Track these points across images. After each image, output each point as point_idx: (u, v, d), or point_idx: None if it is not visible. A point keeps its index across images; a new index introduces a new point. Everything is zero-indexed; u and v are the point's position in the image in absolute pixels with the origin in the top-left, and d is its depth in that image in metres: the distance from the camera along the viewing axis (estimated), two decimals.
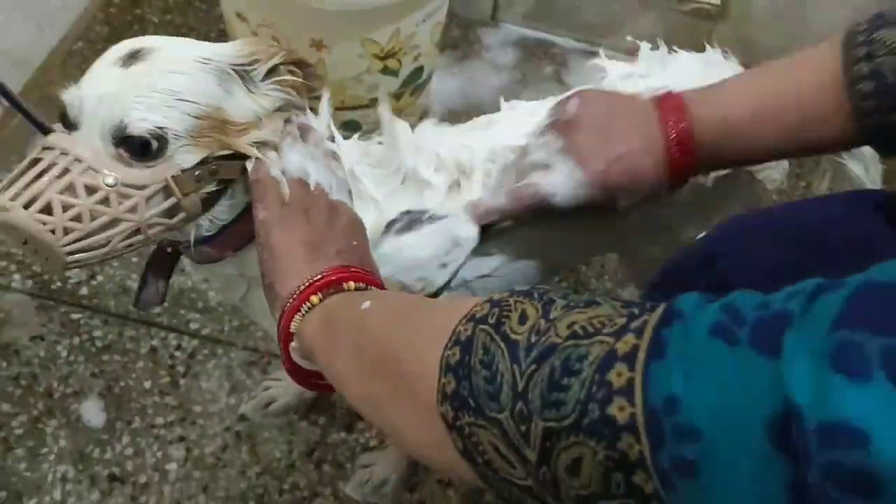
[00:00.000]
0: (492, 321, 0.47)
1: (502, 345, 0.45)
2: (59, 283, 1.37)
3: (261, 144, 0.69)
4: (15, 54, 1.57)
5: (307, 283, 0.65)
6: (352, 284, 0.65)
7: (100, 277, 1.38)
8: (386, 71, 1.43)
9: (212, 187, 0.69)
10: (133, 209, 0.65)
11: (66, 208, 0.62)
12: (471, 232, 0.81)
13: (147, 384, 1.28)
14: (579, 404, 0.40)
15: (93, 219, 0.63)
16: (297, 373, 0.67)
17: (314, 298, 0.64)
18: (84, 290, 1.36)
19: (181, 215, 0.68)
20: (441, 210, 0.82)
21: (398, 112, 1.55)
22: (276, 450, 1.24)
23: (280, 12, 1.29)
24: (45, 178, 0.62)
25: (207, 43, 0.71)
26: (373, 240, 0.77)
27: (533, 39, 1.89)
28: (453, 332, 0.49)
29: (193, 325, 1.34)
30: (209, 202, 0.71)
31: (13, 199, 0.61)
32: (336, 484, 1.21)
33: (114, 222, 0.64)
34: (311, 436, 1.26)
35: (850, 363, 0.33)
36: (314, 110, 0.78)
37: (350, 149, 0.86)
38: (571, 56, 1.86)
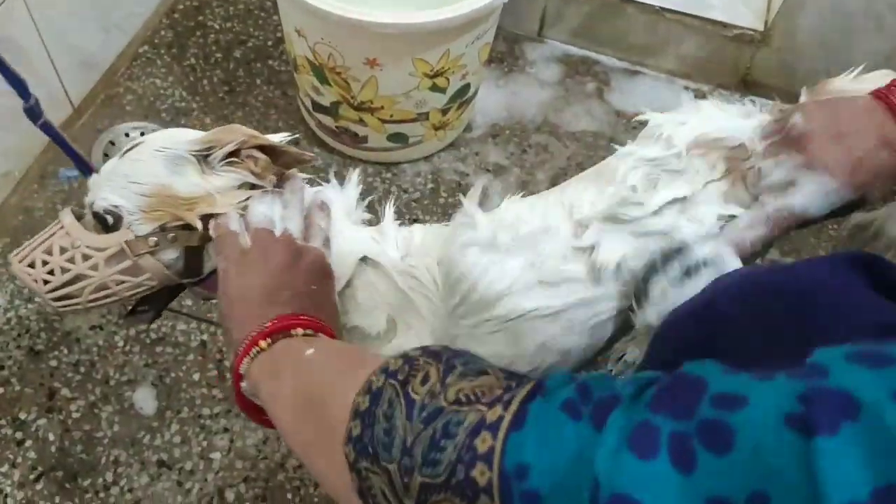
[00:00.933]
0: (401, 378, 0.52)
1: (403, 402, 0.50)
2: None
3: (210, 216, 0.79)
4: (83, 56, 1.65)
5: (256, 330, 0.70)
6: (300, 331, 0.70)
7: None
8: (434, 88, 1.48)
9: (174, 252, 0.81)
10: (94, 267, 0.79)
11: (43, 264, 0.80)
12: (737, 266, 0.82)
13: (196, 376, 1.36)
14: (450, 465, 0.45)
15: (62, 272, 0.80)
16: (248, 409, 0.73)
17: (262, 343, 0.69)
18: None
19: (145, 275, 0.81)
20: (706, 249, 0.83)
21: (443, 126, 1.61)
22: None
23: (338, 32, 1.36)
24: (37, 240, 0.81)
25: (191, 131, 0.83)
26: None
27: (577, 56, 1.94)
28: (367, 381, 0.53)
29: None
30: (193, 263, 0.83)
31: (16, 254, 0.82)
32: None
33: (79, 277, 0.80)
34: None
35: (643, 442, 0.39)
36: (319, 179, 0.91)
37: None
38: (614, 74, 1.90)
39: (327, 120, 1.61)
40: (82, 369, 1.34)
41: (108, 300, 0.82)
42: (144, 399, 1.33)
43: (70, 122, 1.62)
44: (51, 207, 1.52)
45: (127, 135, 1.64)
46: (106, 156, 1.59)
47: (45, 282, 0.80)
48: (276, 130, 1.06)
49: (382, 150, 1.64)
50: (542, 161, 1.73)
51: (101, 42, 1.71)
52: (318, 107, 1.58)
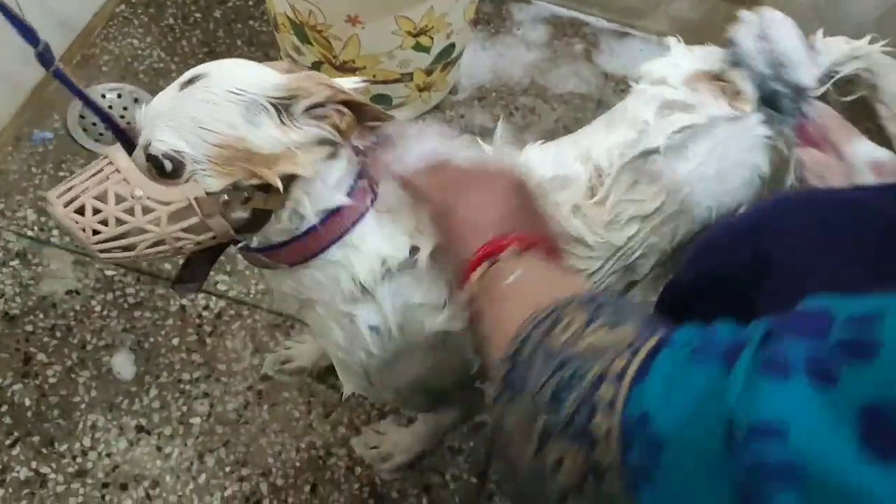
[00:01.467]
0: (544, 327, 0.53)
1: (541, 351, 0.52)
2: None
3: (293, 176, 0.71)
4: (58, 16, 1.61)
5: (473, 258, 0.67)
6: (512, 250, 0.66)
7: None
8: (418, 47, 1.45)
9: (244, 214, 0.73)
10: (155, 221, 0.70)
11: (95, 212, 0.69)
12: None
13: (175, 341, 1.33)
14: (570, 414, 0.46)
15: (118, 224, 0.70)
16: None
17: (475, 275, 0.66)
18: None
19: (209, 233, 0.72)
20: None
21: (428, 87, 1.58)
22: (295, 410, 1.29)
23: None
24: (87, 183, 0.70)
25: (267, 70, 0.72)
26: None
27: (565, 18, 1.90)
28: (520, 327, 0.55)
29: (221, 287, 1.39)
30: (256, 224, 0.75)
31: (59, 196, 0.70)
32: (351, 445, 1.27)
33: (136, 230, 0.70)
34: (329, 398, 1.31)
35: (777, 370, 0.37)
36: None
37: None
38: (603, 36, 1.87)
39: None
40: (59, 334, 1.32)
41: (161, 255, 0.74)
42: (122, 364, 1.30)
43: (45, 83, 1.57)
44: (25, 170, 1.49)
45: (103, 96, 1.60)
46: (82, 118, 1.56)
47: (95, 231, 0.70)
48: None
49: None
50: (529, 124, 1.70)
51: (77, 1, 1.67)
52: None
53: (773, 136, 0.92)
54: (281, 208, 0.74)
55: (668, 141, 0.88)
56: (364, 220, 0.77)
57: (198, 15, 1.78)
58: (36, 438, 1.21)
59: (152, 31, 1.73)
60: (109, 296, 1.37)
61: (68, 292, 1.36)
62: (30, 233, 1.42)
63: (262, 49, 1.73)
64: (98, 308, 1.35)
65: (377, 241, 0.77)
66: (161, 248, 0.72)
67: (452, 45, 1.52)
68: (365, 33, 1.39)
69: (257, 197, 0.72)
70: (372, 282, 0.78)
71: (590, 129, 0.96)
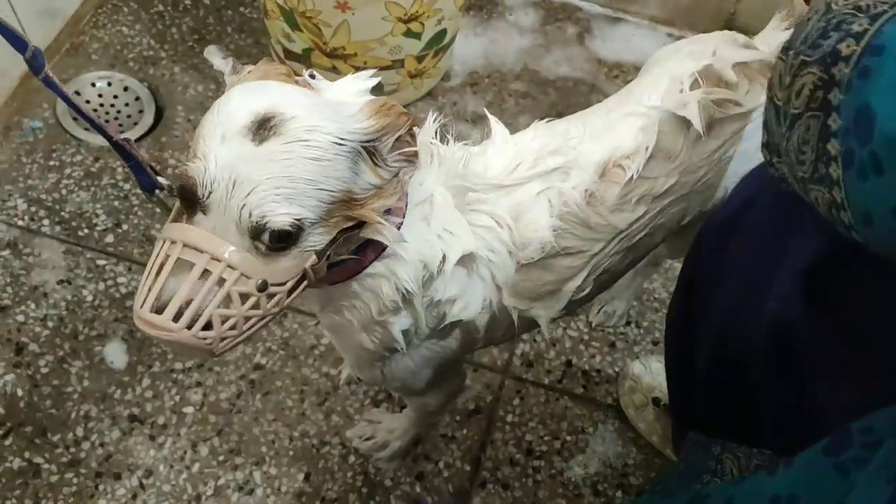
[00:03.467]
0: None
1: (823, 9, 0.55)
2: (86, 231, 1.42)
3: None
4: (46, 4, 1.59)
5: None
6: None
7: (125, 226, 1.43)
8: (409, 34, 1.44)
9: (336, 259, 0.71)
10: (277, 304, 0.66)
11: (223, 320, 0.63)
12: None
13: None
14: (825, 48, 0.52)
15: (245, 322, 0.64)
16: None
17: None
18: (110, 238, 1.41)
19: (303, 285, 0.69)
20: None
21: (420, 74, 1.57)
22: (289, 399, 1.29)
23: None
24: (203, 292, 0.61)
25: (344, 104, 0.67)
26: None
27: (557, 2, 1.89)
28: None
29: None
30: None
31: (176, 319, 0.61)
32: (344, 433, 1.27)
33: (263, 318, 0.66)
34: (322, 387, 1.31)
35: None
36: None
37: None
38: (596, 21, 1.86)
39: (299, 68, 1.56)
40: (50, 324, 1.31)
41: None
42: (115, 354, 1.30)
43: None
44: (15, 160, 1.48)
45: (93, 84, 1.59)
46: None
47: (222, 339, 0.64)
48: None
49: None
50: (521, 109, 1.70)
51: None
52: (289, 54, 1.54)
53: None
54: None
55: (701, 114, 0.87)
56: (402, 229, 0.74)
57: (187, 2, 1.77)
58: (28, 429, 1.21)
59: (142, 19, 1.72)
60: (101, 285, 1.36)
61: (59, 282, 1.36)
62: (20, 223, 1.41)
63: (253, 36, 1.72)
64: (90, 298, 1.35)
65: (418, 248, 0.76)
66: (266, 321, 0.68)
67: (444, 31, 1.51)
68: (355, 19, 1.38)
69: (349, 238, 0.69)
70: (416, 288, 0.76)
71: (602, 108, 0.95)
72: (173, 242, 0.62)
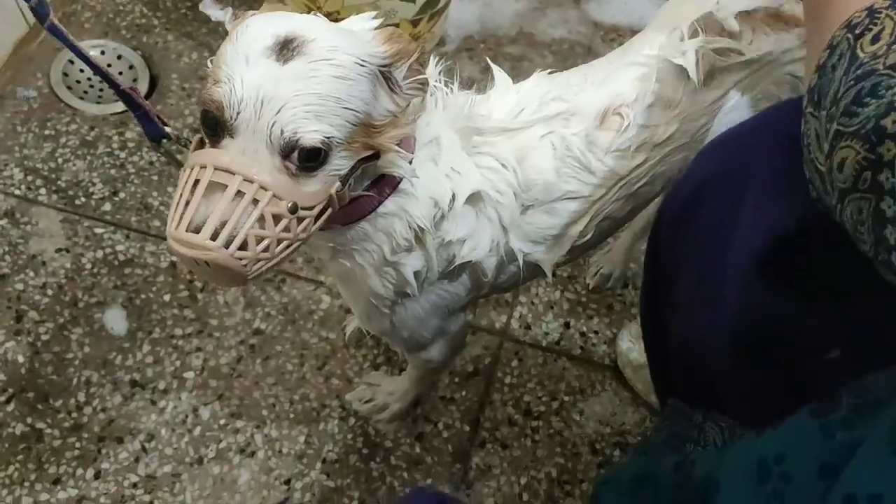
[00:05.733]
0: (857, 32, 0.53)
1: (848, 57, 0.52)
2: (83, 199, 1.42)
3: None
4: None
5: None
6: None
7: (122, 194, 1.43)
8: None
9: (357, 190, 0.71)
10: (305, 229, 0.66)
11: (258, 241, 0.63)
12: None
13: (167, 297, 1.34)
14: (865, 119, 0.48)
15: (278, 245, 0.65)
16: None
17: None
18: (107, 206, 1.41)
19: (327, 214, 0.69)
20: None
21: (415, 39, 1.56)
22: (288, 363, 1.30)
23: None
24: (238, 212, 0.62)
25: (352, 28, 0.69)
26: None
27: None
28: (833, 36, 0.55)
29: None
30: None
31: (213, 237, 0.61)
32: (344, 396, 1.28)
33: (292, 243, 0.66)
34: (321, 351, 1.31)
35: None
36: None
37: None
38: None
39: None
40: (50, 292, 1.32)
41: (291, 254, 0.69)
42: (115, 320, 1.31)
43: (26, 40, 1.55)
44: (10, 129, 1.47)
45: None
46: (66, 75, 1.54)
47: (257, 260, 0.64)
48: None
49: None
50: (517, 73, 1.67)
51: None
52: None
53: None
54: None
55: (701, 63, 0.87)
56: (413, 167, 0.74)
57: None
58: (30, 395, 1.22)
59: None
60: (99, 253, 1.36)
61: (58, 250, 1.36)
62: (17, 192, 1.41)
63: (247, 3, 1.71)
64: (88, 266, 1.35)
65: (428, 185, 0.76)
66: (294, 247, 0.68)
67: None
68: None
69: (366, 169, 0.70)
70: (429, 224, 0.77)
71: (604, 60, 0.95)
72: (203, 167, 0.62)
